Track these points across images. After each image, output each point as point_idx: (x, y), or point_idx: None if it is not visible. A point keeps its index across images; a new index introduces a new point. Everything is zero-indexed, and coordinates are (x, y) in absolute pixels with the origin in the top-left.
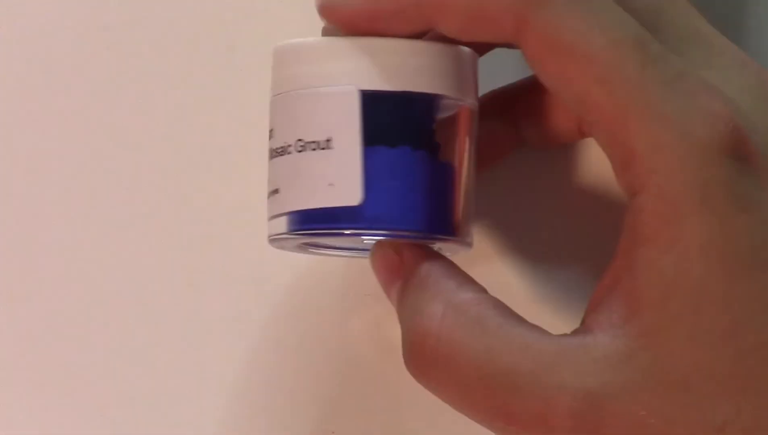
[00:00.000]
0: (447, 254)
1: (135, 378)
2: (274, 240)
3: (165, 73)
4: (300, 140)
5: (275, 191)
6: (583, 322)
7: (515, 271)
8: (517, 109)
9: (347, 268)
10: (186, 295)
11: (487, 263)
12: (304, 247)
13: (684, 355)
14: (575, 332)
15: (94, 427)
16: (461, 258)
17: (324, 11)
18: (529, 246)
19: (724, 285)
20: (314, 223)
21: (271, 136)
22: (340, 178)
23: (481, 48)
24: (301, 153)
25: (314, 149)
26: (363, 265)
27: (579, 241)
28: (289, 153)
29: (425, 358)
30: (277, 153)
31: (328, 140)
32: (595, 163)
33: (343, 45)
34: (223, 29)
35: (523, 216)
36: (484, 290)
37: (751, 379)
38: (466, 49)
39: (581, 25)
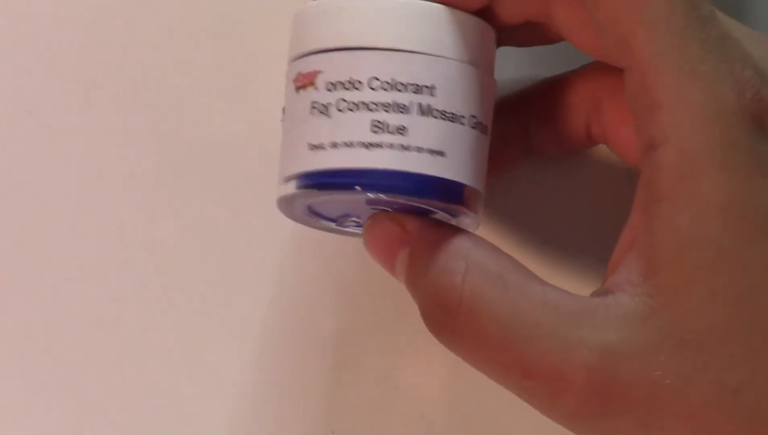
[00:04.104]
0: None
1: (133, 376)
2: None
3: (165, 67)
4: (474, 117)
5: (440, 153)
6: (603, 285)
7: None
8: (529, 113)
9: (348, 267)
10: (185, 295)
11: None
12: (308, 214)
13: (700, 316)
14: (595, 293)
15: (92, 423)
16: None
17: None
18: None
19: (742, 245)
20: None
21: (433, 94)
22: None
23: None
24: (473, 129)
25: (484, 133)
26: (364, 265)
27: (587, 237)
28: (462, 123)
29: (449, 314)
30: (445, 116)
31: (486, 124)
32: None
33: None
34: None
35: (528, 216)
36: (498, 248)
37: (767, 341)
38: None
39: None
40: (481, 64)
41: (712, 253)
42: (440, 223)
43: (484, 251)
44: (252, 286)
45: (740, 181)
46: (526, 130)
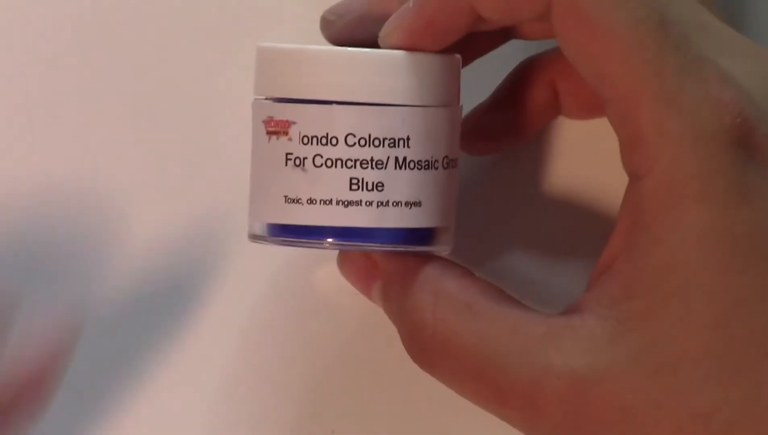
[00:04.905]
0: None
1: (132, 377)
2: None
3: (165, 68)
4: (446, 157)
5: (417, 204)
6: (576, 301)
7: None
8: (557, 75)
9: None
10: (185, 294)
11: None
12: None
13: (673, 341)
14: (565, 312)
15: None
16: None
17: (386, 39)
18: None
19: (719, 273)
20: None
21: (408, 145)
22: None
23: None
24: (446, 169)
25: (454, 167)
26: None
27: (575, 231)
28: (436, 168)
29: (425, 349)
30: (420, 165)
31: (456, 157)
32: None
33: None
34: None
35: (518, 208)
36: (468, 272)
37: (740, 367)
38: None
39: (608, 0)
40: (450, 101)
41: (686, 282)
42: (408, 254)
43: (452, 279)
44: (252, 285)
45: (719, 210)
46: (554, 93)
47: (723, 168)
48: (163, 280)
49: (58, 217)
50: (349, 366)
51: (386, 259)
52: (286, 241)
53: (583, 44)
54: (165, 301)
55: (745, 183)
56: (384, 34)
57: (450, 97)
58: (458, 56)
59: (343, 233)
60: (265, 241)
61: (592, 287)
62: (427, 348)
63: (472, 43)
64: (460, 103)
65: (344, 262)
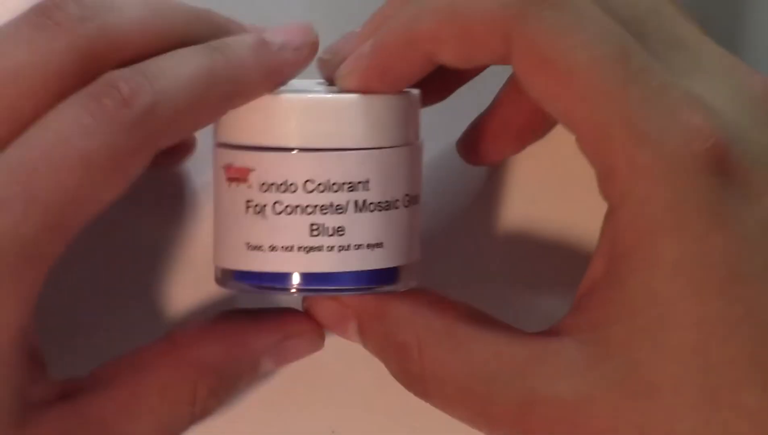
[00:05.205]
0: None
1: None
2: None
3: None
4: (407, 195)
5: (379, 245)
6: (559, 323)
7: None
8: None
9: None
10: (185, 292)
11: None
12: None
13: (652, 367)
14: (548, 332)
15: None
16: None
17: (342, 82)
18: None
19: (694, 303)
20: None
21: (367, 188)
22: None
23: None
24: (407, 208)
25: (416, 203)
26: None
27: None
28: (396, 207)
29: (415, 382)
30: (381, 206)
31: (417, 193)
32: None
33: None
34: None
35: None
36: (443, 298)
37: (719, 392)
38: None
39: (564, 41)
40: (409, 139)
41: (664, 311)
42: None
43: (429, 308)
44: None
45: (692, 239)
46: None
47: (695, 196)
48: (164, 281)
49: None
50: (349, 366)
51: (356, 298)
52: (251, 287)
53: (545, 86)
54: (165, 301)
55: (719, 209)
56: (339, 76)
57: (409, 135)
58: (416, 92)
59: (307, 279)
60: (231, 286)
61: (574, 311)
62: (415, 381)
63: (446, 78)
64: (420, 139)
65: (313, 308)
